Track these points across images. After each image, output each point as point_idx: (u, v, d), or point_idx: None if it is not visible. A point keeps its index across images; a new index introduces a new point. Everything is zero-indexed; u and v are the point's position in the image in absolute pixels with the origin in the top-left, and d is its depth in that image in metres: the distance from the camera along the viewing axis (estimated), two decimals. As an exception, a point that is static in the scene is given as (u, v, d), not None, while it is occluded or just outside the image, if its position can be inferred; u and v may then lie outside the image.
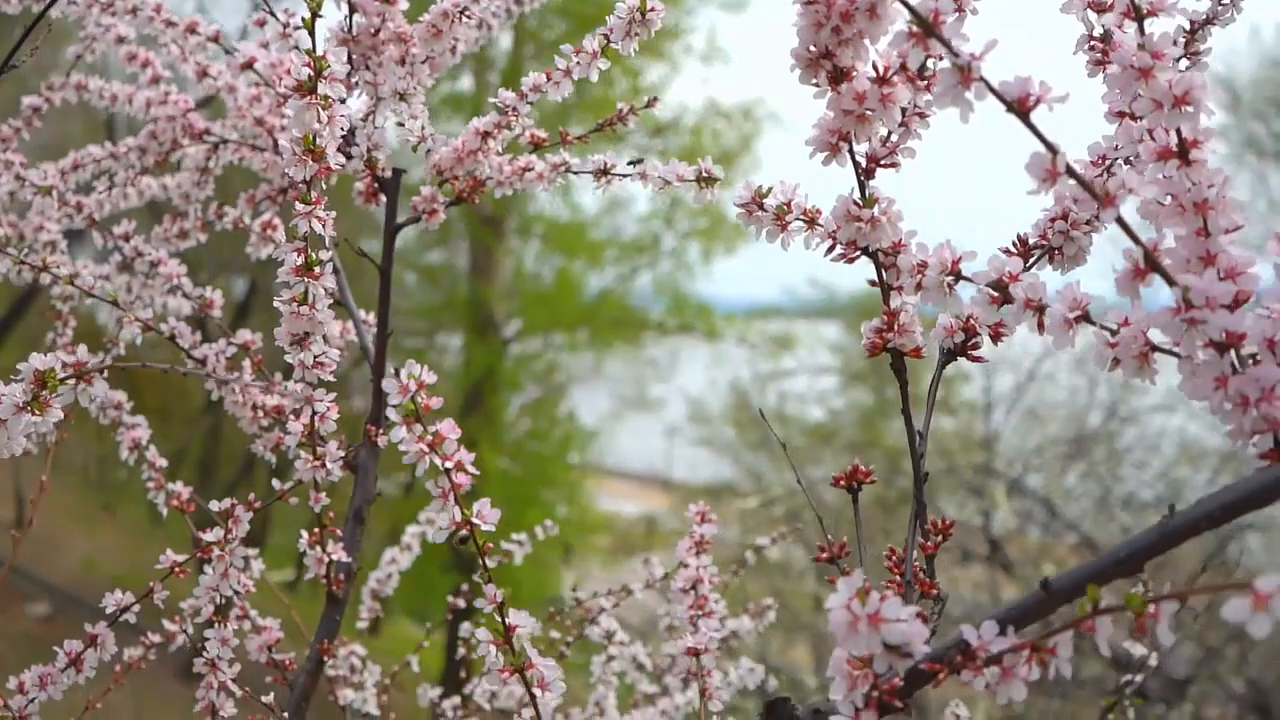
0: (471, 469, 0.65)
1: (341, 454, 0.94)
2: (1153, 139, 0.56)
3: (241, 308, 10.89)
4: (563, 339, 11.99)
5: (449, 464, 0.64)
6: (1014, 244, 0.72)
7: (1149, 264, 0.53)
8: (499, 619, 0.67)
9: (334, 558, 1.00)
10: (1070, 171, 0.53)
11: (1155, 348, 0.56)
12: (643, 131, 10.68)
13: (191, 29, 1.14)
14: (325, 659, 1.02)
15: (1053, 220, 0.71)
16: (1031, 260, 0.71)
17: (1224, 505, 0.51)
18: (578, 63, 0.91)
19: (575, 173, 1.00)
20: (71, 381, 0.68)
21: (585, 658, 1.50)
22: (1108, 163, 0.71)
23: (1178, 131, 0.55)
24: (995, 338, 0.70)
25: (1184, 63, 0.74)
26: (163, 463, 1.12)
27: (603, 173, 0.97)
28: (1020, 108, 0.52)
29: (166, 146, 1.22)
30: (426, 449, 0.64)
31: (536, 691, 0.67)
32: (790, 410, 10.33)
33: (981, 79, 0.52)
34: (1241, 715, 5.79)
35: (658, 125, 10.74)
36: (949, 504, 6.79)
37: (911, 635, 0.52)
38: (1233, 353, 0.54)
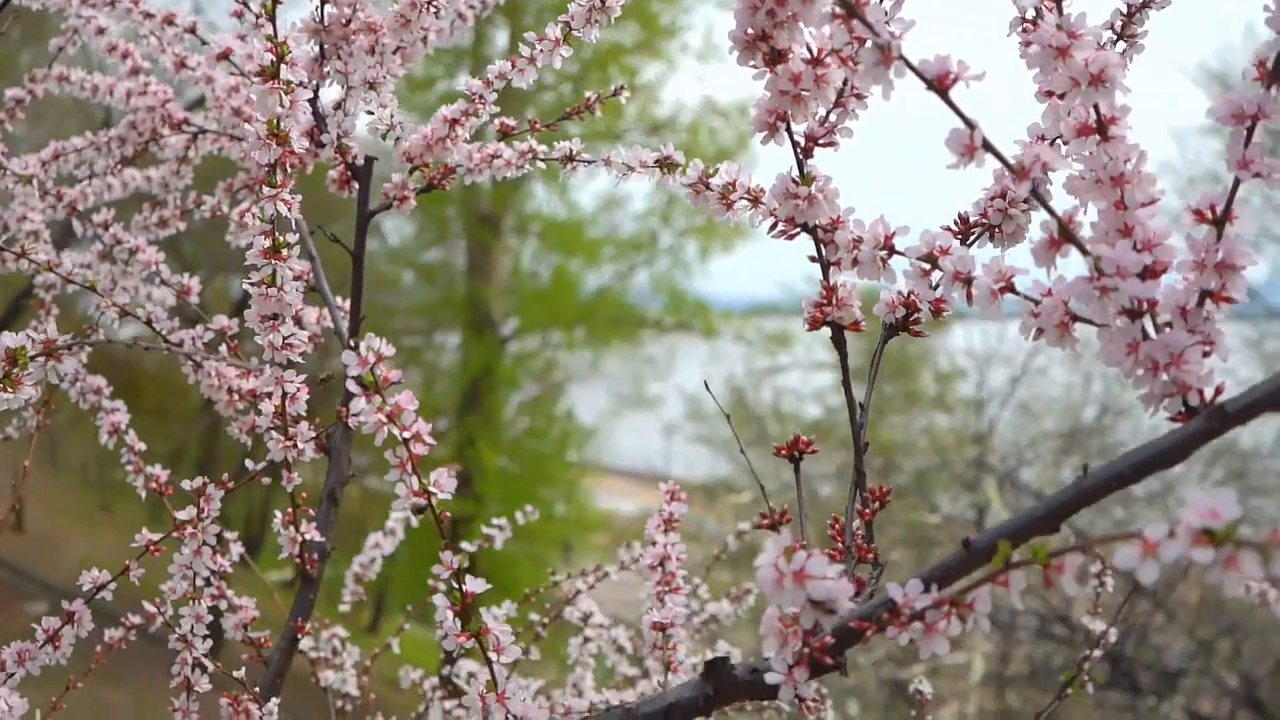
0: (429, 439, 0.67)
1: (313, 434, 0.96)
2: (1075, 117, 0.59)
3: (239, 307, 10.92)
4: (560, 337, 12.01)
5: (407, 434, 0.67)
6: (954, 222, 0.74)
7: (1063, 235, 0.56)
8: (456, 586, 0.69)
9: (307, 537, 1.02)
10: (987, 146, 0.55)
11: (1075, 317, 0.59)
12: (639, 129, 10.70)
13: (169, 20, 1.16)
14: (299, 636, 1.04)
15: (992, 199, 0.73)
16: (972, 238, 0.73)
17: (1134, 465, 0.53)
18: (541, 50, 0.93)
19: (542, 159, 1.02)
20: (41, 359, 0.70)
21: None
22: (1046, 143, 0.73)
23: (1095, 108, 0.58)
24: (936, 312, 0.72)
25: (1120, 45, 0.76)
26: (141, 446, 1.15)
27: (568, 159, 1.00)
28: (940, 85, 0.55)
29: (146, 136, 1.24)
30: (385, 419, 0.66)
31: (492, 655, 0.69)
32: (786, 407, 10.36)
33: (901, 58, 0.54)
34: (1234, 709, 5.82)
35: (655, 123, 10.75)
36: (944, 499, 6.82)
37: (836, 592, 0.54)
38: (1148, 320, 0.57)
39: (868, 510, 0.67)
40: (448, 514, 0.69)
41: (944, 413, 8.68)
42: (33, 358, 0.70)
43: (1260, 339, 8.44)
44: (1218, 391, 0.54)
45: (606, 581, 1.40)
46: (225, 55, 1.12)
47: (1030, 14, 0.68)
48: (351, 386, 0.66)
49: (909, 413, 8.61)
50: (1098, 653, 1.11)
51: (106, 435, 1.14)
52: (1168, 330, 0.55)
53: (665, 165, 0.91)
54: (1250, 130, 0.56)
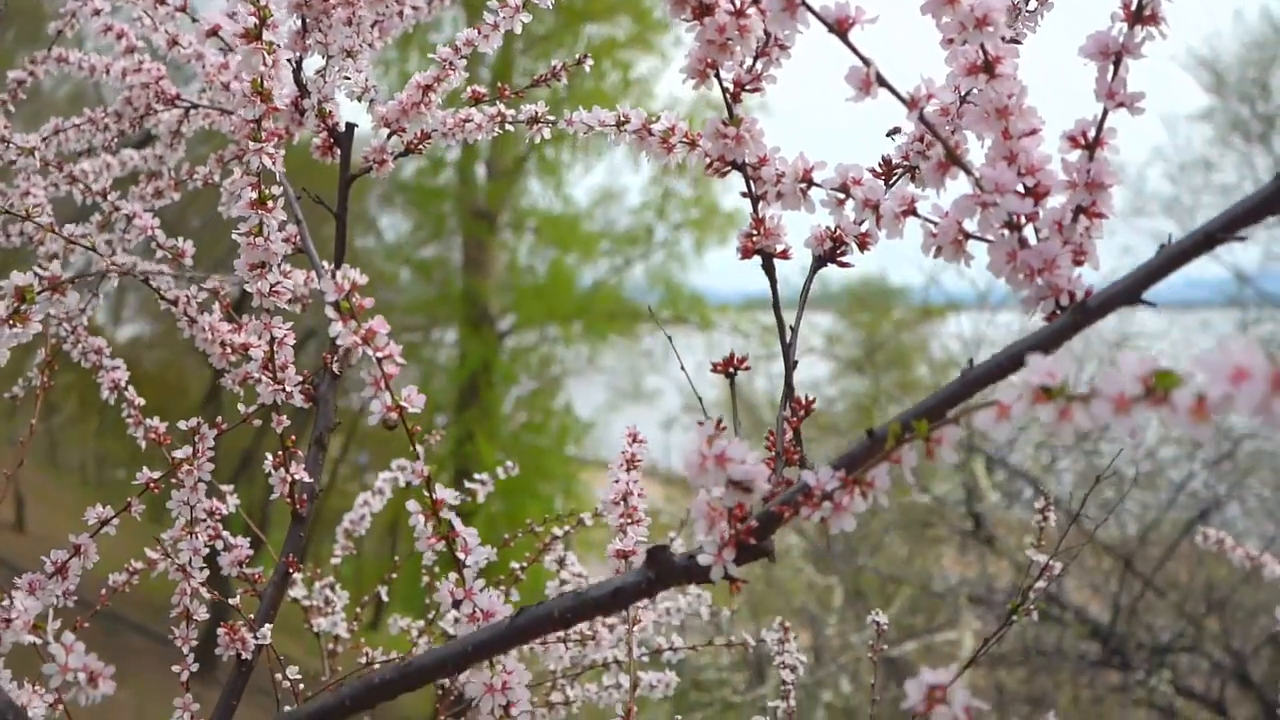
0: (400, 359, 0.74)
1: (300, 379, 1.03)
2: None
3: (237, 307, 10.99)
4: (557, 332, 12.08)
5: (380, 354, 0.74)
6: (879, 164, 0.81)
7: (950, 158, 0.63)
8: (427, 493, 0.76)
9: (296, 478, 1.09)
10: (881, 81, 0.62)
11: (968, 235, 0.66)
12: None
13: (160, 1, 1.23)
14: (291, 571, 1.11)
15: (912, 142, 0.80)
16: (895, 178, 0.81)
17: (1011, 356, 0.60)
18: (503, 16, 1.00)
19: (510, 123, 1.09)
20: (47, 294, 0.78)
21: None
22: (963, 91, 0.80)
23: (982, 48, 0.65)
24: (862, 246, 0.79)
25: (1033, 2, 0.83)
26: (141, 401, 1.22)
27: (534, 120, 1.07)
28: (840, 28, 0.62)
29: (141, 112, 1.31)
30: (360, 341, 0.73)
31: (460, 555, 0.76)
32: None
33: (804, 4, 0.61)
34: (1224, 684, 5.90)
35: (651, 116, 10.81)
36: (933, 481, 6.89)
37: (753, 473, 0.62)
38: (1031, 232, 0.64)
39: (795, 419, 0.74)
40: (418, 427, 0.77)
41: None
42: (39, 293, 0.77)
43: (1252, 323, 8.52)
44: (1086, 295, 0.62)
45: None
46: (214, 31, 1.19)
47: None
48: (329, 312, 0.73)
49: (904, 403, 8.70)
50: (1041, 583, 1.18)
51: (107, 391, 1.21)
52: (1043, 241, 0.63)
53: (621, 125, 0.98)
54: (1116, 64, 0.63)
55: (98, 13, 1.33)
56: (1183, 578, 6.31)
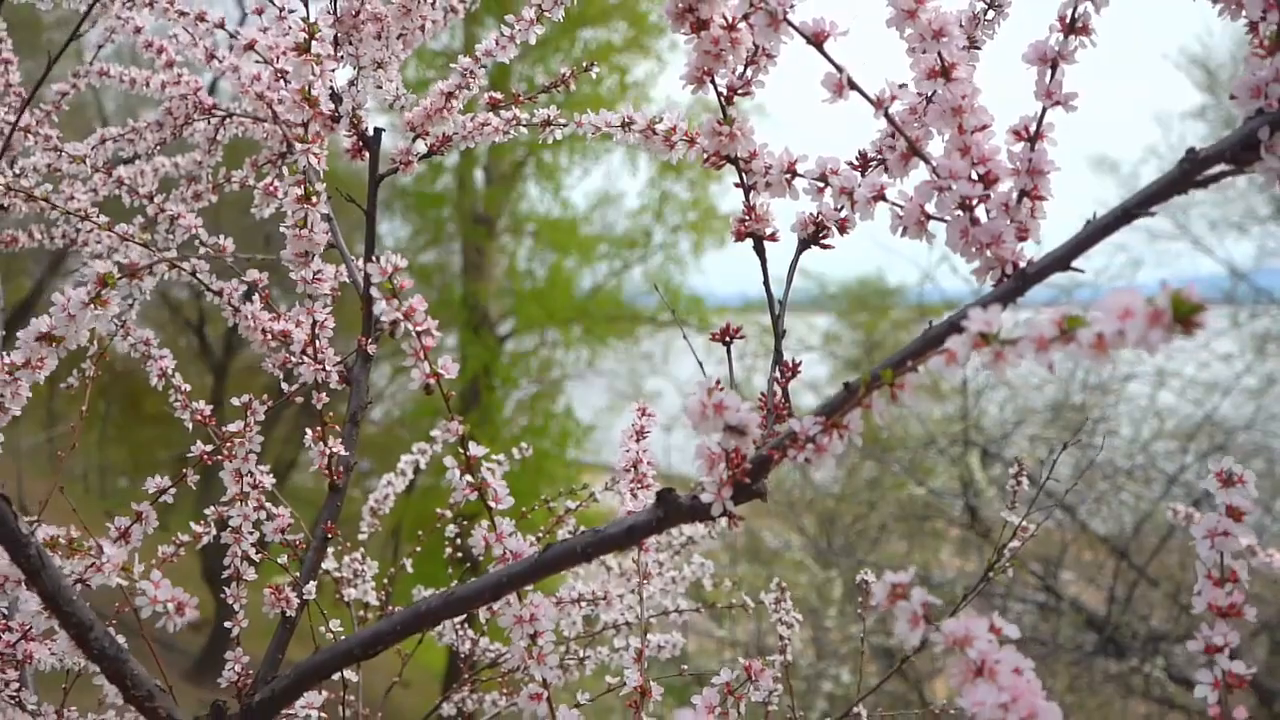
0: (436, 333, 0.85)
1: (339, 360, 1.14)
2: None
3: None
4: (557, 335, 12.19)
5: (420, 329, 0.85)
6: (856, 157, 0.92)
7: (911, 150, 0.74)
8: (462, 450, 0.87)
9: (334, 452, 1.20)
10: (852, 84, 0.73)
11: (929, 216, 0.77)
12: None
13: (200, 18, 1.34)
14: (329, 536, 1.22)
15: (884, 138, 0.91)
16: (870, 169, 0.92)
17: (960, 315, 0.71)
18: (519, 30, 1.11)
19: (525, 125, 1.20)
20: (126, 279, 0.88)
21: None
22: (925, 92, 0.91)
23: (940, 56, 0.76)
24: (841, 230, 0.90)
25: (991, 12, 0.94)
26: (187, 387, 1.32)
27: (547, 123, 1.18)
28: (817, 40, 0.73)
29: (180, 120, 1.42)
30: (402, 317, 0.84)
31: (491, 504, 0.87)
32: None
33: (787, 20, 0.72)
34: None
35: (654, 117, 10.93)
36: (930, 476, 6.99)
37: (746, 419, 0.73)
38: (982, 212, 0.75)
39: (783, 379, 0.85)
40: (452, 393, 0.88)
41: (937, 401, 8.89)
42: (118, 279, 0.88)
43: (1247, 319, 8.63)
44: (1029, 265, 0.73)
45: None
46: (250, 46, 1.30)
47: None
48: (375, 292, 0.84)
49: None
50: (1015, 543, 1.29)
51: (156, 378, 1.32)
52: (992, 220, 0.74)
53: (626, 125, 1.09)
54: (1053, 69, 0.74)
55: (139, 30, 1.44)
56: (1176, 568, 6.42)
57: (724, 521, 0.79)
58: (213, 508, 1.29)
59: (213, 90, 1.59)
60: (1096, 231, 0.68)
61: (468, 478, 0.87)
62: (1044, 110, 0.75)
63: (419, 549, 1.70)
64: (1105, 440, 7.09)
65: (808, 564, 7.52)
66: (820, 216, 0.89)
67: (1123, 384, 7.22)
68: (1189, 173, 0.66)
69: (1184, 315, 0.48)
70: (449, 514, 1.62)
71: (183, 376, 1.35)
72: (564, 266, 12.16)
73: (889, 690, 6.29)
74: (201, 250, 1.31)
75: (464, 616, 1.62)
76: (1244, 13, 0.69)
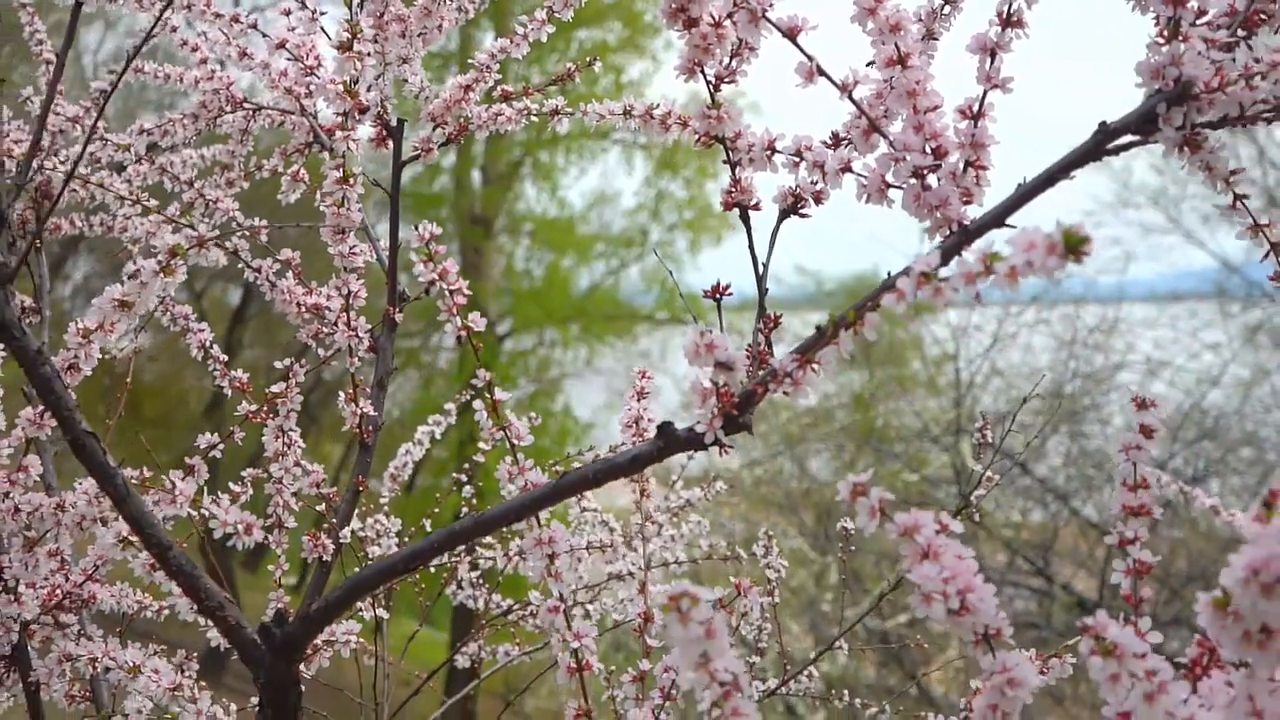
0: (466, 291, 0.98)
1: (369, 327, 1.27)
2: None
3: (238, 312, 11.24)
4: (555, 334, 12.31)
5: (452, 288, 0.98)
6: (829, 136, 1.05)
7: (871, 127, 0.87)
8: (489, 394, 1.00)
9: (365, 412, 1.32)
10: (820, 71, 0.86)
11: (888, 184, 0.90)
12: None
13: (234, 19, 1.47)
14: (360, 489, 1.34)
15: (854, 118, 1.04)
16: (840, 147, 1.04)
17: (928, 256, 0.84)
18: (531, 29, 1.24)
19: (535, 115, 1.33)
20: (195, 250, 1.01)
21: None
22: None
23: (896, 47, 0.89)
24: (816, 200, 1.03)
25: (947, 7, 1.07)
26: (224, 357, 1.45)
27: (555, 113, 1.31)
28: (791, 34, 0.86)
29: (214, 113, 1.55)
30: (437, 277, 0.97)
31: (514, 440, 1.00)
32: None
33: (765, 17, 0.85)
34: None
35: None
36: (935, 463, 7.12)
37: (734, 356, 0.85)
38: (933, 180, 0.88)
39: (766, 329, 0.98)
40: (480, 344, 1.00)
41: (934, 396, 9.04)
42: (187, 250, 1.00)
43: (1239, 311, 8.77)
44: (971, 224, 0.85)
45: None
46: (282, 44, 1.43)
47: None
48: (413, 256, 0.97)
49: (900, 398, 8.97)
50: (981, 491, 1.41)
51: (196, 350, 1.45)
52: (940, 186, 0.87)
53: (627, 114, 1.21)
54: (993, 56, 0.87)
55: (175, 30, 1.56)
56: (1165, 552, 6.56)
57: (715, 450, 0.92)
58: (248, 470, 1.42)
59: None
60: (1026, 193, 0.81)
61: (493, 418, 1.00)
62: (985, 93, 0.87)
63: (437, 510, 1.83)
64: (1100, 433, 7.23)
65: (805, 552, 7.65)
66: (798, 188, 1.02)
67: (1113, 373, 7.36)
68: (1100, 142, 0.79)
69: (1073, 246, 0.61)
70: (463, 477, 1.75)
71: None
72: (561, 266, 12.29)
73: (887, 685, 6.42)
74: (239, 232, 1.43)
75: (480, 574, 1.75)
76: (1150, 8, 0.82)
